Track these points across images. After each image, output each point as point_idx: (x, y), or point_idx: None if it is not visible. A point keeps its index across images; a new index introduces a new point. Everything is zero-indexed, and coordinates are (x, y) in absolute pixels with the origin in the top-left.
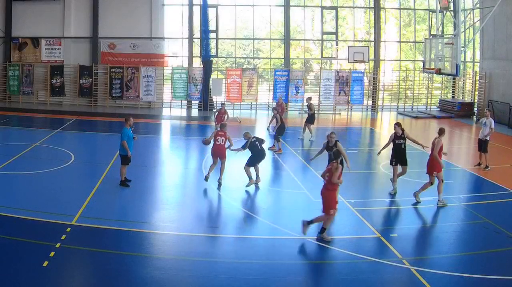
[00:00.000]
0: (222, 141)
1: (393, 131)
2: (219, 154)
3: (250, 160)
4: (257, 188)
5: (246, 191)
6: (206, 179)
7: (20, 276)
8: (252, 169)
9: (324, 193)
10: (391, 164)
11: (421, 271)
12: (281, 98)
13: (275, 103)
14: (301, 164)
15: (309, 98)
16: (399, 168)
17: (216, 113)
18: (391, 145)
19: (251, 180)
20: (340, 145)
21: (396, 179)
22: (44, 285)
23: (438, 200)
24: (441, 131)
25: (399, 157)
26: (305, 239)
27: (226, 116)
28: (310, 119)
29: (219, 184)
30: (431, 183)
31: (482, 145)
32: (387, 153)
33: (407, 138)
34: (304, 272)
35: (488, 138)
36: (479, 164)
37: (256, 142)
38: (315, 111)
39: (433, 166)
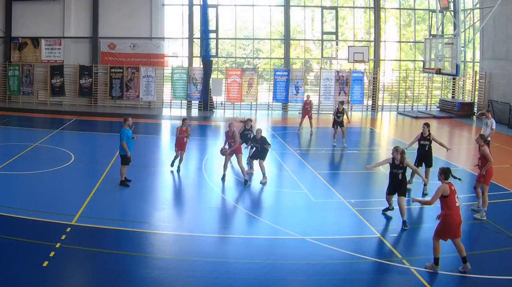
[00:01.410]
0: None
1: (421, 131)
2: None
3: (262, 154)
4: (248, 183)
5: (246, 191)
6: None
7: (20, 276)
8: (254, 163)
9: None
10: (414, 164)
11: (421, 271)
12: (309, 96)
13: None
14: (301, 164)
15: (342, 103)
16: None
17: (177, 131)
18: (416, 145)
19: (265, 178)
20: (407, 160)
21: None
22: (44, 285)
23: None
24: (483, 138)
25: (422, 158)
26: (305, 239)
27: (186, 136)
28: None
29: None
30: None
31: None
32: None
33: (432, 140)
34: (304, 272)
35: (489, 138)
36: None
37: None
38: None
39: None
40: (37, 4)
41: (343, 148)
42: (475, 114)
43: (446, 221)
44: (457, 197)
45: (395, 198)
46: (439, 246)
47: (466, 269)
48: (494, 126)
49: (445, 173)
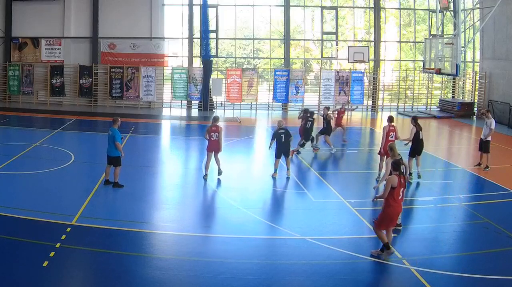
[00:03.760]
0: (216, 137)
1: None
2: (214, 149)
3: (275, 151)
4: (287, 179)
5: (246, 191)
6: (205, 178)
7: (20, 276)
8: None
9: None
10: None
11: (421, 271)
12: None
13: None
14: (301, 164)
15: (327, 108)
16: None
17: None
18: None
19: (275, 173)
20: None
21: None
22: (44, 285)
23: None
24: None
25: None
26: (305, 239)
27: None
28: (326, 131)
29: (220, 172)
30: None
31: (483, 145)
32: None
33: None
34: (304, 272)
35: (489, 138)
36: (479, 164)
37: (282, 135)
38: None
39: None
40: (37, 4)
41: (342, 148)
42: (475, 114)
43: (389, 211)
44: (402, 191)
45: None
46: (383, 234)
47: (388, 255)
48: (493, 126)
49: (394, 165)
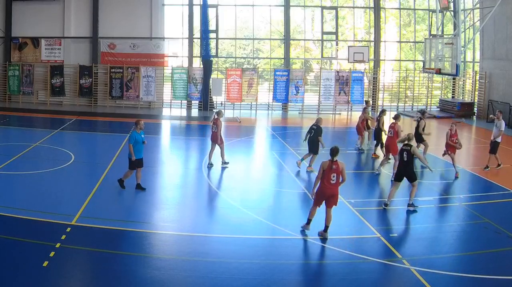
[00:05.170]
0: (214, 129)
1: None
2: (213, 140)
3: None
4: (307, 173)
5: (246, 191)
6: (209, 166)
7: (20, 276)
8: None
9: None
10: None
11: (421, 271)
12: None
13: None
14: (301, 164)
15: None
16: None
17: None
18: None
19: (299, 161)
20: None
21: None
22: (44, 285)
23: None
24: (396, 117)
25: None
26: (305, 239)
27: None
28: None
29: (210, 164)
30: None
31: (491, 146)
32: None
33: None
34: (304, 272)
35: (498, 140)
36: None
37: (312, 130)
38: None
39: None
40: (37, 4)
41: (344, 149)
42: (475, 114)
43: (319, 190)
44: (333, 175)
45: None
46: (314, 211)
47: (324, 237)
48: (502, 128)
49: (330, 151)
